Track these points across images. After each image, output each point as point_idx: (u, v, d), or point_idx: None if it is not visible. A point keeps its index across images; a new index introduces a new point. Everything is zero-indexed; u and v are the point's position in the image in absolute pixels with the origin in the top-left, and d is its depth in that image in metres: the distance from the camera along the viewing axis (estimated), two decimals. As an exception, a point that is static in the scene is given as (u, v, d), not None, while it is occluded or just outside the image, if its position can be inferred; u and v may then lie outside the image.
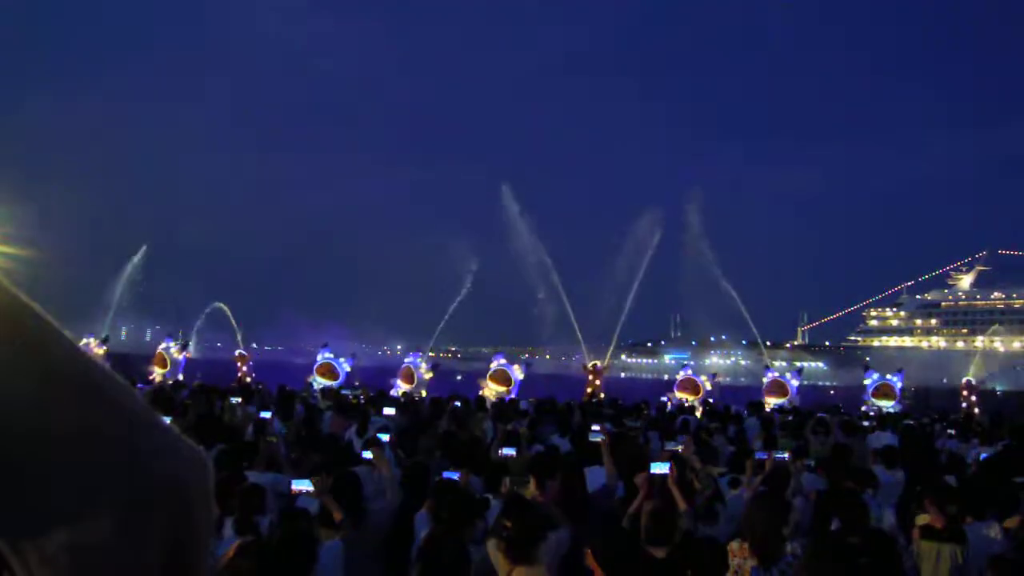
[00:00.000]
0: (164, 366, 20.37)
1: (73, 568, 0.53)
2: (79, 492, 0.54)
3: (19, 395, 0.53)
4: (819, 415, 13.11)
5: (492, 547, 4.18)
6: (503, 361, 20.30)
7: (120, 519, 0.55)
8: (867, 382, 20.44)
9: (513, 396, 18.35)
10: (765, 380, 20.37)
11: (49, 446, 0.54)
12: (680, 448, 7.02)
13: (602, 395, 21.08)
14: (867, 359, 60.57)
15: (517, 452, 7.50)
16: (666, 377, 21.35)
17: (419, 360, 21.18)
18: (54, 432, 0.54)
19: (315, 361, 20.39)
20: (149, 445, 0.59)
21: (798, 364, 29.85)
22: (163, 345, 21.08)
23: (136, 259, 29.15)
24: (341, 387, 18.12)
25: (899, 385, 20.21)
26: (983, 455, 9.25)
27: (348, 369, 20.11)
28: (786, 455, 7.06)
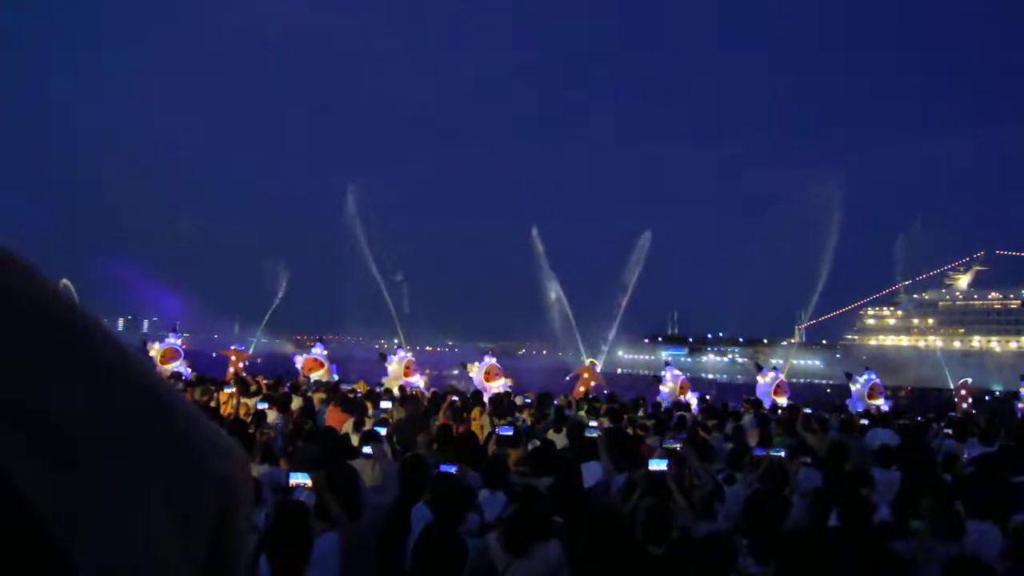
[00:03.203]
0: (177, 358, 20.27)
1: (125, 560, 0.55)
2: (134, 489, 0.56)
3: (75, 396, 0.54)
4: (806, 411, 13.14)
5: (494, 540, 4.18)
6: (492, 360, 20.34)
7: (171, 515, 0.57)
8: (855, 387, 20.41)
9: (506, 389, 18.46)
10: (762, 380, 20.30)
11: (106, 445, 0.55)
12: (678, 445, 7.01)
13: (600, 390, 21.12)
14: (864, 357, 60.57)
15: (515, 447, 7.50)
16: (662, 374, 21.28)
17: (405, 353, 21.19)
18: (111, 432, 0.55)
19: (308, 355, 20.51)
20: (198, 442, 0.60)
21: (773, 362, 29.63)
22: (170, 340, 20.97)
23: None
24: (339, 381, 18.13)
25: (879, 382, 20.29)
26: (978, 454, 9.26)
27: (325, 353, 20.25)
28: (782, 452, 7.05)
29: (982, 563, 4.19)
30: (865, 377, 20.38)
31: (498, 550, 4.06)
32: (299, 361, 20.34)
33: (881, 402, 19.64)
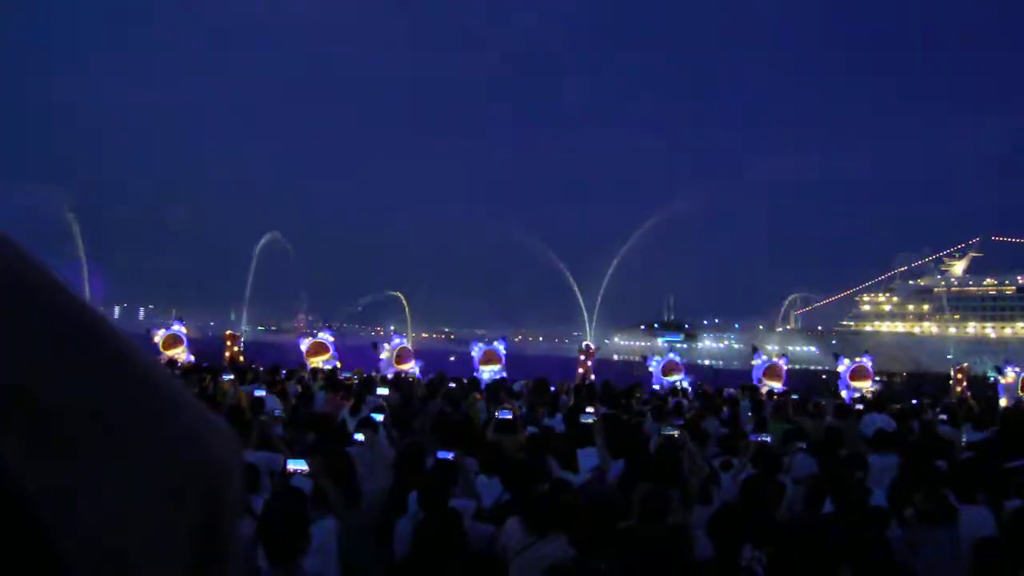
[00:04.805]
0: (179, 345, 20.30)
1: (115, 544, 0.53)
2: (127, 472, 0.54)
3: (70, 380, 0.53)
4: (793, 397, 13.22)
5: (513, 523, 4.21)
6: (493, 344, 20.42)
7: (156, 500, 0.55)
8: (841, 368, 20.60)
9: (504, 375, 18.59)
10: (756, 363, 20.37)
11: (100, 428, 0.53)
12: (675, 432, 7.03)
13: (592, 376, 21.17)
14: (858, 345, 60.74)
15: (512, 432, 7.52)
16: (657, 358, 21.34)
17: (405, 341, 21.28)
18: (105, 415, 0.54)
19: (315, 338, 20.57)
20: (184, 424, 0.58)
21: (770, 348, 29.81)
22: (175, 327, 20.95)
23: None
24: (335, 368, 18.15)
25: (869, 365, 20.43)
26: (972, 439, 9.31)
27: (332, 339, 20.26)
28: (768, 437, 7.09)
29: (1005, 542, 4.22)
30: (849, 361, 20.59)
31: (516, 532, 4.08)
32: (304, 344, 20.36)
33: (867, 384, 19.78)
